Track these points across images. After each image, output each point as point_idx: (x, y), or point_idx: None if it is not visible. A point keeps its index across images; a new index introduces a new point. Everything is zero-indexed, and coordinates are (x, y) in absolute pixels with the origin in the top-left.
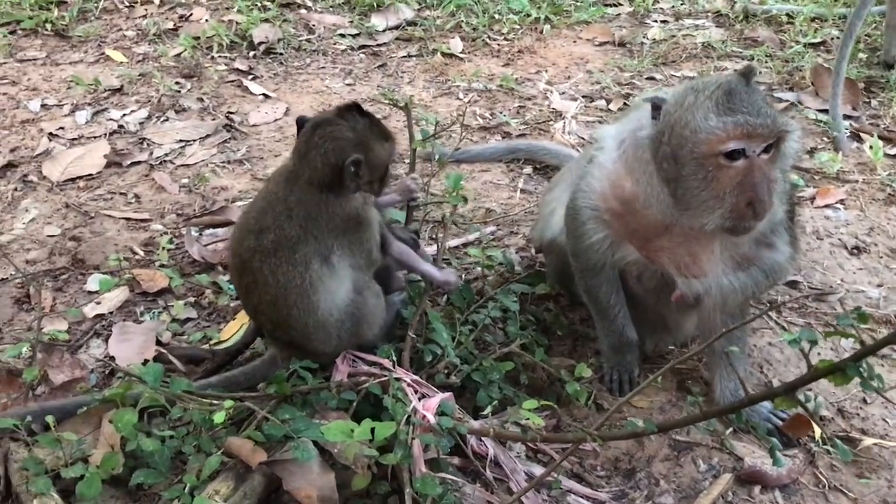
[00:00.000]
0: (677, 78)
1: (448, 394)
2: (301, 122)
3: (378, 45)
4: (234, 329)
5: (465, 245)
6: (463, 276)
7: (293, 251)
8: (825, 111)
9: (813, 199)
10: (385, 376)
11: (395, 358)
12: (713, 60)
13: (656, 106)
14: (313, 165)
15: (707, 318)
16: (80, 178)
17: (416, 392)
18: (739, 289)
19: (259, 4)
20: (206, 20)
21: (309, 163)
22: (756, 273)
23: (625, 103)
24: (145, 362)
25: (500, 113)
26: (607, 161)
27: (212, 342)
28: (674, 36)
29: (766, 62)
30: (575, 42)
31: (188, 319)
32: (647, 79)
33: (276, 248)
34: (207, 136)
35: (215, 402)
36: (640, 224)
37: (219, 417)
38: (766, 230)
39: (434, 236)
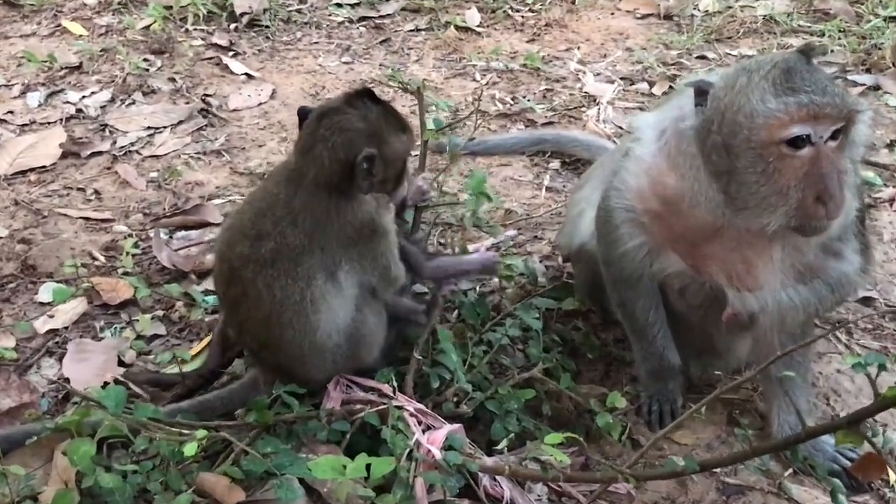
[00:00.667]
0: (733, 57)
1: (457, 425)
2: (304, 112)
3: (381, 17)
4: (206, 345)
5: (500, 248)
6: (476, 288)
7: (296, 263)
8: None
9: (892, 201)
10: (384, 404)
11: (396, 383)
12: (776, 36)
13: (701, 91)
14: (320, 162)
15: (763, 340)
16: (31, 170)
17: (419, 423)
18: (801, 305)
19: None
20: None
21: (314, 160)
22: (820, 287)
23: (670, 87)
24: (105, 385)
25: (524, 97)
26: (646, 154)
27: (181, 361)
28: (730, 7)
29: (839, 39)
30: (612, 14)
31: (155, 336)
32: (697, 58)
33: (276, 258)
34: (180, 122)
35: (186, 431)
36: (684, 227)
37: (190, 449)
38: (833, 235)
39: (443, 242)
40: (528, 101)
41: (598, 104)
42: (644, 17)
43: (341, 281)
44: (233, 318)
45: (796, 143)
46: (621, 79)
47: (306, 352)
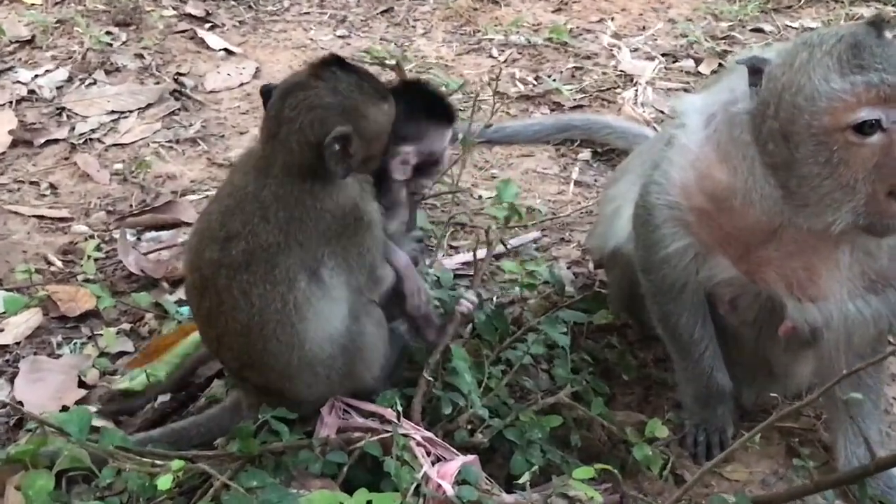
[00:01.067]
0: (793, 30)
1: (472, 457)
2: (267, 91)
3: None
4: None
5: (497, 257)
6: (494, 298)
7: (272, 264)
8: None
9: None
10: (387, 431)
11: (400, 407)
12: (843, 6)
13: (755, 69)
14: (288, 147)
15: (827, 360)
16: None
17: (428, 453)
18: (871, 318)
19: None
20: None
21: (282, 145)
22: (894, 297)
23: (720, 64)
24: (64, 409)
25: (549, 76)
26: (692, 143)
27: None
28: None
29: None
30: None
31: (122, 353)
32: (751, 31)
33: (249, 260)
34: (149, 105)
35: (159, 462)
36: (736, 227)
37: (163, 483)
38: None
39: (455, 245)
40: (554, 80)
41: (635, 85)
42: None
43: (326, 280)
44: (209, 334)
45: (864, 128)
46: (663, 55)
47: (295, 368)
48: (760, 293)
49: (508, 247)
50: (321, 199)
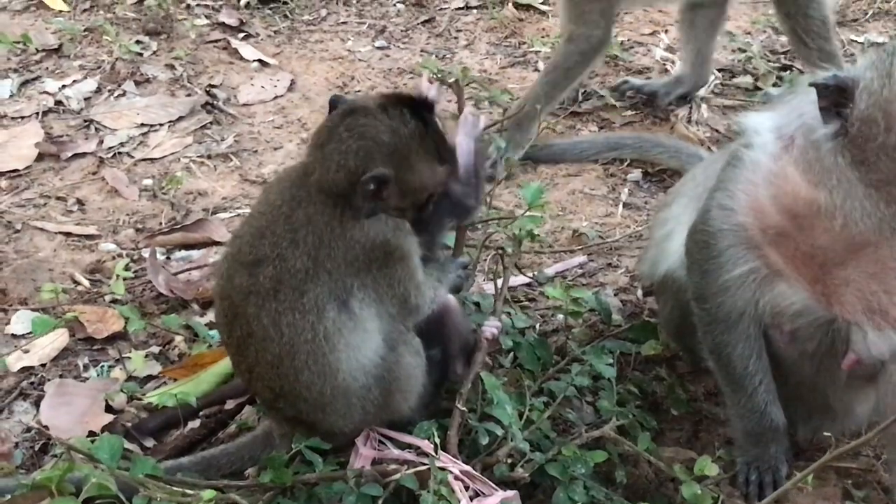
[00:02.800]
0: (858, 45)
1: (512, 492)
2: (335, 103)
3: None
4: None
5: (540, 283)
6: (537, 326)
7: (300, 292)
8: None
9: None
10: (424, 464)
11: (437, 439)
12: None
13: (843, 88)
14: (327, 164)
15: (892, 396)
16: (1, 174)
17: (466, 488)
18: None
19: None
20: None
21: (323, 159)
22: None
23: (778, 78)
24: (91, 435)
25: (598, 92)
26: (765, 159)
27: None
28: None
29: None
30: None
31: (150, 377)
32: None
33: (277, 287)
34: (180, 118)
35: (189, 491)
36: (815, 246)
37: None
38: None
39: (494, 270)
40: (604, 96)
41: (689, 102)
42: None
43: (356, 311)
44: (241, 365)
45: None
46: (719, 70)
47: (328, 398)
48: (823, 324)
49: (530, 275)
50: (351, 228)
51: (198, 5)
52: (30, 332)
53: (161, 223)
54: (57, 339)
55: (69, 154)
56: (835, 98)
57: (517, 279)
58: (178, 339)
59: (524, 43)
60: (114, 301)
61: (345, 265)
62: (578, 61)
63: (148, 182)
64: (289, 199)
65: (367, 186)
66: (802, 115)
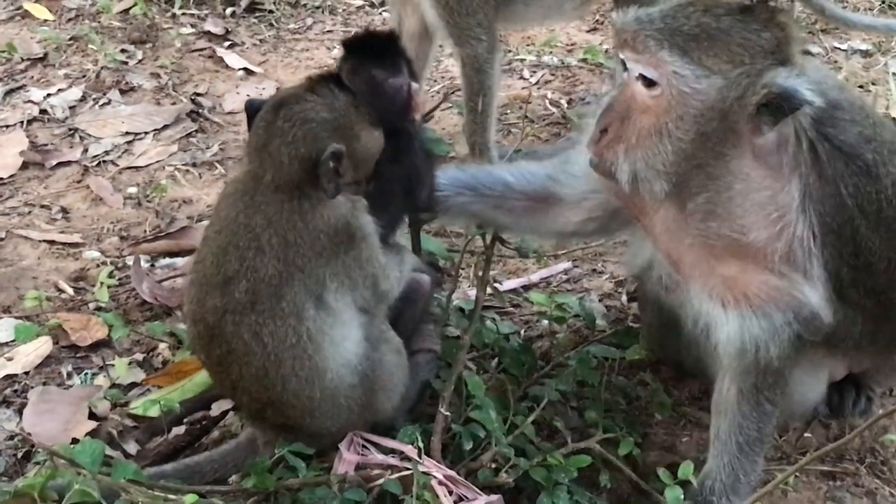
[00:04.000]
0: (842, 51)
1: (496, 496)
2: (252, 106)
3: None
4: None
5: (525, 288)
6: (522, 332)
7: (278, 297)
8: None
9: None
10: (407, 469)
11: (421, 444)
12: None
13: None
14: (277, 161)
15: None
16: None
17: (450, 492)
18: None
19: None
20: None
21: (271, 158)
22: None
23: None
24: (74, 442)
25: (583, 99)
26: None
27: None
28: None
29: None
30: None
31: (133, 384)
32: (800, 52)
33: (254, 299)
34: (165, 127)
35: (171, 496)
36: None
37: None
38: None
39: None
40: (588, 103)
41: None
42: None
43: (332, 304)
44: (224, 382)
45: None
46: None
47: (317, 401)
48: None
49: (496, 285)
50: (312, 220)
51: (183, 14)
52: (13, 340)
53: (146, 231)
54: (41, 346)
55: (54, 162)
56: None
57: (505, 284)
58: (162, 346)
59: (510, 51)
60: (98, 309)
61: (314, 257)
62: (482, 79)
63: (132, 190)
64: (243, 208)
65: (328, 166)
66: None
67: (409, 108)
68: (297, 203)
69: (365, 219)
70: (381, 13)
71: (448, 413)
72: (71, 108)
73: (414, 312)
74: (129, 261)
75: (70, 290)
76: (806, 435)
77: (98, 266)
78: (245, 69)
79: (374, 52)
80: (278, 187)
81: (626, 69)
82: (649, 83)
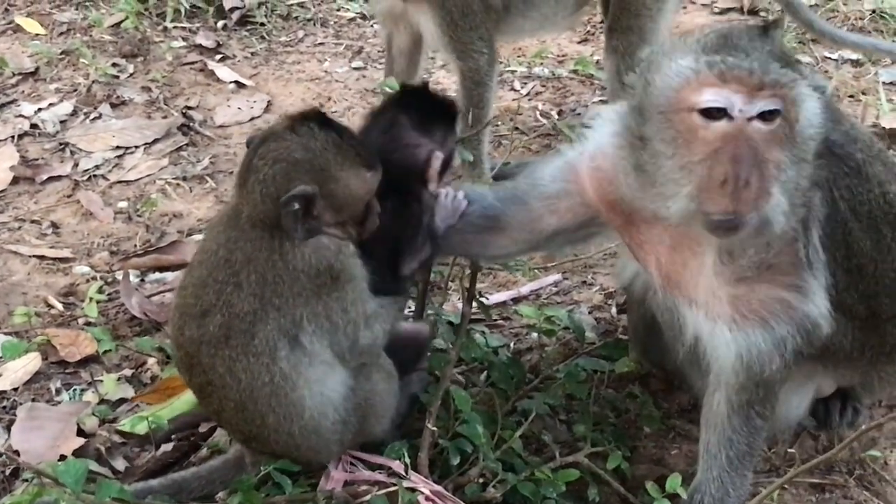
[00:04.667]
0: (832, 61)
1: None
2: (250, 143)
3: None
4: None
5: (515, 300)
6: (511, 345)
7: (251, 335)
8: None
9: None
10: (394, 485)
11: (408, 459)
12: (887, 35)
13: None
14: (253, 198)
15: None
16: None
17: None
18: (737, 347)
19: None
20: None
21: (248, 196)
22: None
23: None
24: (62, 458)
25: (573, 111)
26: (608, 122)
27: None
28: (831, 0)
29: None
30: (685, 8)
31: (122, 400)
32: None
33: (228, 334)
34: (156, 140)
35: None
36: (622, 195)
37: None
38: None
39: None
40: (579, 114)
41: None
42: (723, 11)
43: (306, 346)
44: (208, 408)
45: (712, 114)
46: None
47: (299, 438)
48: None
49: (483, 299)
50: (292, 259)
51: (175, 27)
52: (1, 357)
53: (136, 245)
54: (29, 362)
55: (44, 177)
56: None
57: (494, 297)
58: (151, 361)
59: (501, 62)
60: (87, 324)
61: (292, 297)
62: (482, 92)
63: (123, 204)
64: (224, 242)
65: (291, 206)
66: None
67: (424, 174)
68: (278, 242)
69: (352, 262)
70: (372, 25)
71: (435, 428)
72: (62, 122)
73: (409, 360)
74: (119, 276)
75: (59, 306)
76: (789, 449)
77: (88, 281)
78: (236, 82)
79: (416, 103)
80: (255, 224)
81: (728, 117)
82: (768, 116)
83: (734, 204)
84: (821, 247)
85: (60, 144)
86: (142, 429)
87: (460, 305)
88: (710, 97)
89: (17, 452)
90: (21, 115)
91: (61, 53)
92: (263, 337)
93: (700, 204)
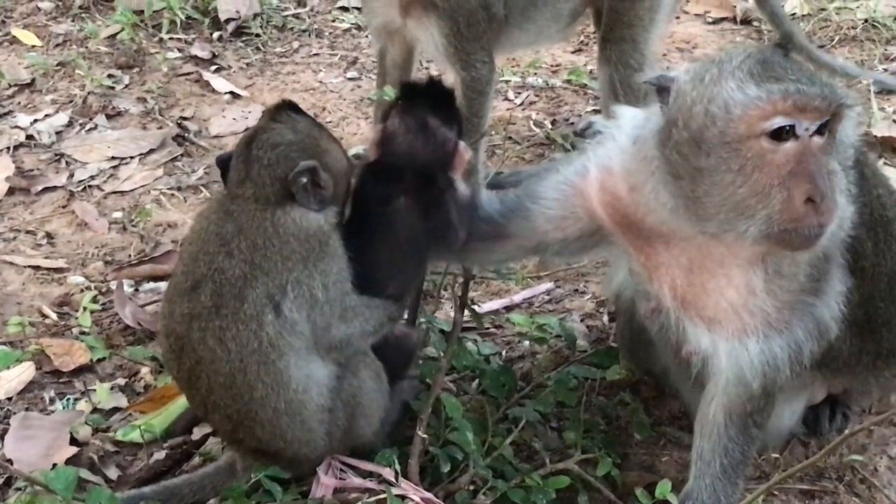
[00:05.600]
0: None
1: None
2: (224, 160)
3: None
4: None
5: (507, 309)
6: (503, 353)
7: (241, 300)
8: None
9: None
10: (384, 492)
11: (399, 466)
12: (879, 45)
13: (662, 88)
14: (261, 184)
15: (708, 397)
16: None
17: None
18: (761, 363)
19: None
20: None
21: (254, 183)
22: (797, 331)
23: None
24: (55, 467)
25: (567, 120)
26: (618, 137)
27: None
28: (823, 9)
29: None
30: (678, 18)
31: (115, 409)
32: None
33: (218, 302)
34: (151, 151)
35: None
36: (640, 216)
37: None
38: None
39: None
40: (572, 124)
41: None
42: (716, 21)
43: (287, 315)
44: (195, 399)
45: (779, 135)
46: None
47: (284, 418)
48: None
49: (475, 307)
50: (283, 224)
51: (170, 38)
52: None
53: (130, 256)
54: (23, 372)
55: (39, 188)
56: (661, 96)
57: (487, 305)
58: (145, 370)
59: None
60: (81, 334)
61: (281, 261)
62: (482, 101)
63: (118, 215)
64: (215, 219)
65: (300, 182)
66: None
67: (451, 162)
68: (271, 212)
69: (338, 239)
70: (366, 36)
71: (426, 435)
72: (57, 133)
73: (399, 366)
74: (113, 285)
75: (54, 316)
76: (777, 455)
77: (82, 291)
78: (231, 93)
79: (432, 100)
80: (256, 200)
81: (794, 136)
82: (821, 129)
83: (818, 216)
84: (843, 249)
85: (56, 155)
86: (135, 437)
87: (452, 313)
88: (782, 121)
89: (10, 461)
90: (17, 126)
91: (57, 65)
92: (252, 301)
93: (781, 223)
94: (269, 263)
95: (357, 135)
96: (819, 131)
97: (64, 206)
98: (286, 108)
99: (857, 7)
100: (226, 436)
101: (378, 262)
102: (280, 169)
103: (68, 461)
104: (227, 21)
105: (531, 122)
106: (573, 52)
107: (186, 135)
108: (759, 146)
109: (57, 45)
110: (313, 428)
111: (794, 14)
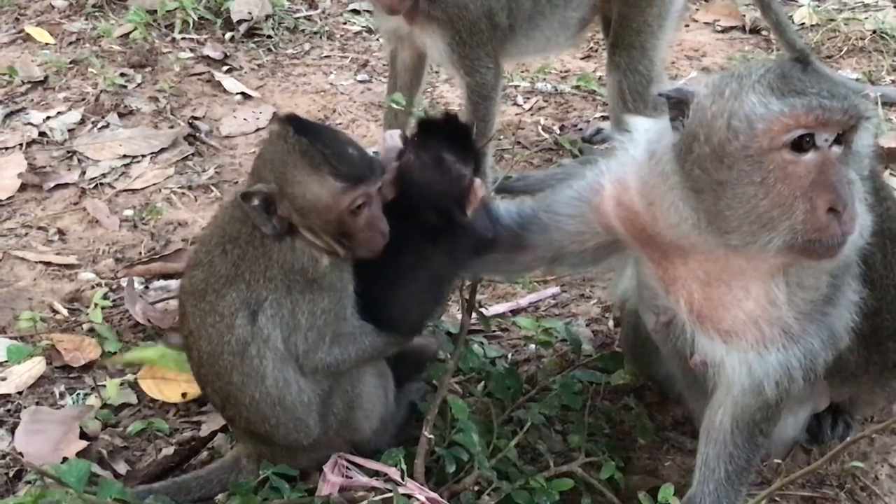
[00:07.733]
0: None
1: None
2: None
3: None
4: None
5: (513, 312)
6: (509, 356)
7: (220, 295)
8: None
9: None
10: (390, 491)
11: (404, 466)
12: (887, 56)
13: (679, 102)
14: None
15: (716, 408)
16: None
17: None
18: (776, 375)
19: None
20: None
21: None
22: (814, 341)
23: None
24: (65, 461)
25: (575, 126)
26: (631, 150)
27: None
28: (832, 20)
29: None
30: (687, 26)
31: (125, 405)
32: None
33: (205, 289)
34: (162, 150)
35: None
36: (659, 231)
37: None
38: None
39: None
40: (581, 129)
41: None
42: (725, 30)
43: (261, 325)
44: (192, 365)
45: (800, 146)
46: None
47: (265, 407)
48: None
49: (482, 310)
50: (269, 250)
51: (183, 38)
52: (6, 361)
53: (141, 253)
54: (34, 367)
55: (51, 185)
56: (677, 110)
57: (493, 308)
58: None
59: (504, 77)
60: (91, 330)
61: (264, 280)
62: (488, 106)
63: (129, 212)
64: (230, 213)
65: (251, 202)
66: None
67: (465, 199)
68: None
69: (333, 274)
70: (377, 39)
71: (432, 436)
72: (70, 130)
73: (411, 369)
74: (123, 282)
75: (64, 312)
76: (779, 462)
77: (93, 287)
78: (242, 93)
79: (448, 136)
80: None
81: (814, 147)
82: (839, 138)
83: (841, 226)
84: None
85: (68, 152)
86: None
87: (459, 316)
88: (803, 131)
89: (20, 455)
90: (29, 123)
91: (70, 63)
92: (230, 301)
93: (805, 233)
94: (252, 277)
95: (367, 137)
96: (837, 141)
97: (75, 203)
98: (288, 123)
99: (866, 18)
100: (219, 411)
101: (395, 300)
102: (247, 182)
103: (78, 455)
104: (240, 22)
105: (540, 128)
106: (582, 58)
107: (197, 134)
108: (781, 158)
109: (70, 44)
110: (300, 416)
111: (802, 24)
